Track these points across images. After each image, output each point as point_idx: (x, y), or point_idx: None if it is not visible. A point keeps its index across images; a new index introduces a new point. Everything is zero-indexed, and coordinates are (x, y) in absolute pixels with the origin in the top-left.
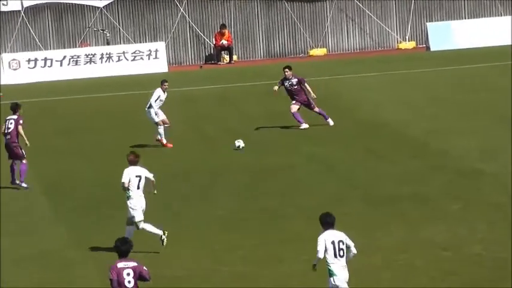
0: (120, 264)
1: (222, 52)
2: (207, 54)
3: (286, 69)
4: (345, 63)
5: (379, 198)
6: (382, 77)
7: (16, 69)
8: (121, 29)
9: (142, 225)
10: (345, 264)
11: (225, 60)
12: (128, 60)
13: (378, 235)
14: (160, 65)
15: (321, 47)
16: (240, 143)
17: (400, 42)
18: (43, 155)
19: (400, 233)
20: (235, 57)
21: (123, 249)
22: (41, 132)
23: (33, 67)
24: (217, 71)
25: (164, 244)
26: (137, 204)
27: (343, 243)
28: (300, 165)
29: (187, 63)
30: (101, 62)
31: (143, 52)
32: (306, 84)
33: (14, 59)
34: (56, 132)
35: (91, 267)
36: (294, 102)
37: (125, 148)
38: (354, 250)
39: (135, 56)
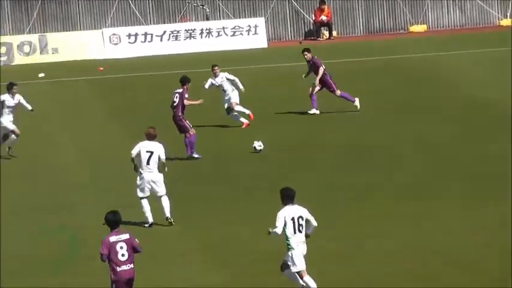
0: (112, 238)
1: (322, 28)
2: (306, 30)
3: (306, 52)
4: (445, 39)
5: (480, 175)
6: (483, 54)
7: (117, 43)
8: (220, 4)
9: (143, 202)
10: (304, 239)
11: (324, 36)
12: (227, 35)
13: (480, 213)
14: (259, 41)
15: (421, 24)
16: (258, 145)
17: (501, 19)
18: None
19: (502, 210)
20: (334, 33)
21: (113, 220)
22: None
23: (134, 42)
24: (316, 47)
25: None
26: (143, 179)
27: (302, 219)
28: (399, 143)
29: (287, 38)
30: (201, 37)
31: (243, 28)
32: (321, 68)
33: (114, 34)
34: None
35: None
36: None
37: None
38: (314, 223)
39: (234, 32)
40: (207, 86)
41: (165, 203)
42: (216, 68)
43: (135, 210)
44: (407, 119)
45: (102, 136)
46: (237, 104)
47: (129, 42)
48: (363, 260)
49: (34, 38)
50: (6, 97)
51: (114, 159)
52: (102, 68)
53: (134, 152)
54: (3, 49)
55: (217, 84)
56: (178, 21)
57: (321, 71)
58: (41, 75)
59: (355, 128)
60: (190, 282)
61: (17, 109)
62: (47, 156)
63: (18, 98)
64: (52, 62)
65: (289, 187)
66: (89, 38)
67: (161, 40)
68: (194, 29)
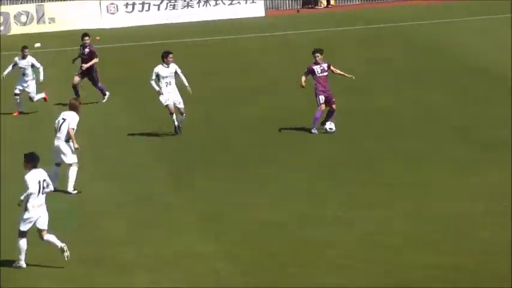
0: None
1: None
2: None
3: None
4: (445, 7)
5: (480, 142)
6: (484, 21)
7: (114, 13)
8: None
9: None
10: (43, 202)
11: (322, 5)
12: (225, 4)
13: (477, 179)
14: (257, 9)
15: None
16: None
17: None
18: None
19: (500, 178)
20: (332, 1)
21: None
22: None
23: (131, 11)
24: (314, 15)
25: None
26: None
27: (46, 182)
28: (399, 109)
29: (284, 7)
30: (198, 6)
31: None
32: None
33: (112, 3)
34: None
35: (188, 211)
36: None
37: (224, 91)
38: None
39: (232, 1)
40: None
41: (71, 172)
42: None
43: (126, 182)
44: (407, 86)
45: (100, 106)
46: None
47: (126, 12)
48: (360, 228)
49: (31, 7)
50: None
51: (111, 129)
52: (99, 38)
53: (56, 120)
54: (1, 19)
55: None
56: None
57: (94, 61)
58: (37, 45)
59: (354, 94)
60: (190, 250)
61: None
62: (42, 127)
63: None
64: (49, 32)
65: (33, 152)
66: (86, 8)
67: (158, 9)
68: None
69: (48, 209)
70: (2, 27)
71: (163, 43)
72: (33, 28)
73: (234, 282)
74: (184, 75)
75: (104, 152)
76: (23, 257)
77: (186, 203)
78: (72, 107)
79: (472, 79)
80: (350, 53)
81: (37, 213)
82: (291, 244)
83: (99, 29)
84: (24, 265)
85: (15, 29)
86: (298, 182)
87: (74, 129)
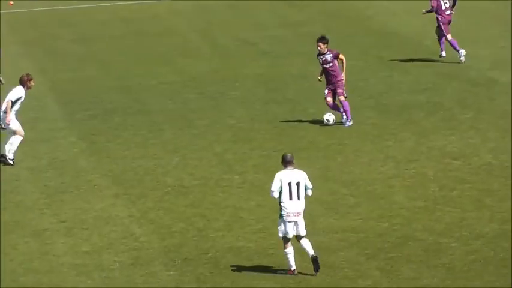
0: None
1: None
2: None
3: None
4: None
5: (391, 107)
6: None
7: None
8: None
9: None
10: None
11: None
12: None
13: (389, 144)
14: None
15: None
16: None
17: None
18: (59, 62)
19: (411, 142)
20: None
21: None
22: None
23: None
24: None
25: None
26: None
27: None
28: (313, 75)
29: None
30: None
31: None
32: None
33: None
34: (72, 40)
35: (103, 175)
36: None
37: (143, 55)
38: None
39: None
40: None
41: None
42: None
43: (49, 142)
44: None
45: (14, 71)
46: None
47: None
48: None
49: None
50: None
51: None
52: (12, 3)
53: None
54: None
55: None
56: None
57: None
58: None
59: (267, 59)
60: (107, 214)
61: None
62: None
63: None
64: None
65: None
66: None
67: None
68: None
69: None
70: None
71: (76, 8)
72: None
73: (152, 245)
74: None
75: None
76: None
77: (99, 168)
78: (20, 81)
79: (383, 44)
80: (263, 15)
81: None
82: (205, 209)
83: None
84: None
85: None
86: (214, 147)
87: (11, 101)
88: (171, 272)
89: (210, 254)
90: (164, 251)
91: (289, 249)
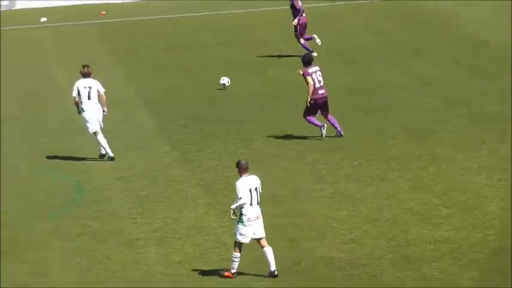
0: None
1: None
2: None
3: None
4: None
5: (483, 116)
6: None
7: None
8: None
9: (99, 136)
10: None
11: None
12: None
13: (482, 153)
14: None
15: None
16: (224, 80)
17: None
18: (151, 71)
19: (504, 152)
20: None
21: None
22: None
23: None
24: None
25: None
26: (92, 115)
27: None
28: (400, 83)
29: None
30: None
31: None
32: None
33: None
34: (164, 49)
35: (195, 185)
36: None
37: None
38: None
39: None
40: None
41: (103, 139)
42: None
43: (141, 151)
44: (407, 57)
45: (106, 80)
46: None
47: None
48: (366, 202)
49: None
50: None
51: (119, 103)
52: (104, 12)
53: (74, 92)
54: None
55: None
56: None
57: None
58: (43, 19)
59: (356, 68)
60: (199, 224)
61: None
62: (51, 101)
63: None
64: (54, 7)
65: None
66: None
67: None
68: None
69: (52, 183)
70: (6, 2)
71: (165, 18)
72: (38, 3)
73: (243, 255)
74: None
75: (108, 126)
76: None
77: (191, 177)
78: (87, 74)
79: (474, 53)
80: (350, 26)
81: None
82: (297, 218)
83: (104, 3)
84: None
85: (20, 4)
86: (305, 157)
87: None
88: (263, 283)
89: (302, 264)
90: (256, 261)
91: (239, 255)
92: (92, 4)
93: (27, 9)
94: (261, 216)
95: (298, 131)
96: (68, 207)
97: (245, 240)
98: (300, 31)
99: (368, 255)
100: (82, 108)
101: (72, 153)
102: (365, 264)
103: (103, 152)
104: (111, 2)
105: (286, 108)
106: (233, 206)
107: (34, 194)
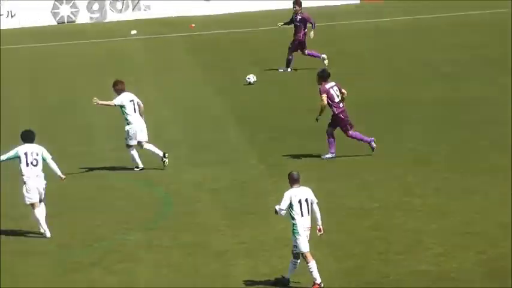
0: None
1: None
2: None
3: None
4: None
5: None
6: None
7: (209, 0)
8: None
9: (145, 145)
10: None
11: None
12: None
13: None
14: None
15: None
16: (250, 78)
17: None
18: (238, 84)
19: None
20: None
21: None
22: (236, 62)
23: None
24: (403, 3)
25: (165, 165)
26: (141, 126)
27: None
28: (491, 96)
29: None
30: None
31: None
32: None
33: None
34: (250, 62)
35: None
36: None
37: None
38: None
39: None
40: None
41: (150, 146)
42: None
43: (230, 164)
44: (496, 73)
45: (195, 92)
46: None
47: None
48: (456, 216)
49: None
50: None
51: (207, 115)
52: (193, 25)
53: (117, 102)
54: (96, 6)
55: None
56: None
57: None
58: (133, 32)
59: (447, 82)
60: (286, 236)
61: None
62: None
63: None
64: (144, 19)
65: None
66: None
67: None
68: None
69: (145, 195)
70: (97, 14)
71: (253, 30)
72: (129, 15)
73: (330, 268)
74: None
75: (196, 139)
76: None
77: (279, 190)
78: (124, 89)
79: None
80: (443, 38)
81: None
82: (385, 231)
83: (193, 16)
84: None
85: (111, 16)
86: (393, 169)
87: None
88: None
89: (391, 277)
90: (343, 274)
91: (298, 261)
92: (182, 16)
93: (117, 21)
94: (310, 228)
95: (386, 143)
96: (157, 219)
97: (300, 250)
98: (295, 47)
99: (457, 269)
100: (129, 122)
101: (161, 165)
102: (454, 278)
103: (161, 154)
104: (201, 14)
105: (374, 122)
106: (277, 207)
107: (125, 206)
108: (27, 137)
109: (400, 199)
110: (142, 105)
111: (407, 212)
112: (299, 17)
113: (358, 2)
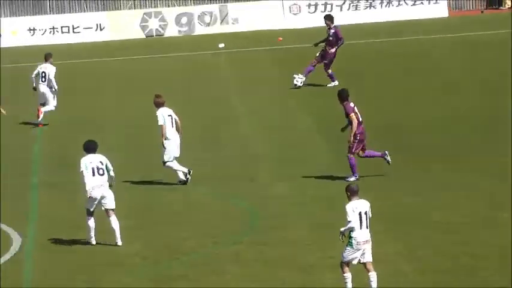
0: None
1: None
2: None
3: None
4: None
5: None
6: None
7: (296, 13)
8: None
9: (169, 163)
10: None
11: (506, 5)
12: (407, 4)
13: None
14: (440, 10)
15: None
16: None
17: None
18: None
19: None
20: None
21: (91, 146)
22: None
23: (314, 11)
24: (499, 16)
25: (188, 182)
26: (177, 142)
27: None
28: None
29: (468, 7)
30: (381, 7)
31: None
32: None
33: (294, 4)
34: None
35: None
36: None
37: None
38: None
39: (415, 1)
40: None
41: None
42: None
43: (316, 178)
44: None
45: (282, 106)
46: None
47: (309, 12)
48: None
49: (215, 8)
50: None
51: (293, 129)
52: (281, 38)
53: (161, 120)
54: (184, 19)
55: None
56: None
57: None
58: (221, 45)
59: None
60: (373, 251)
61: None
62: (227, 127)
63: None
64: (232, 33)
65: None
66: (269, 8)
67: (341, 10)
68: None
69: (232, 209)
70: (186, 28)
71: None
72: (217, 28)
73: (421, 284)
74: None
75: (283, 154)
76: None
77: None
78: (162, 104)
79: None
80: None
81: None
82: (471, 247)
83: (281, 29)
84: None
85: (199, 29)
86: (481, 183)
87: None
88: None
89: None
90: None
91: (349, 274)
92: (270, 30)
93: (205, 34)
94: (370, 240)
95: (475, 158)
96: (244, 233)
97: (352, 261)
98: (330, 61)
99: None
100: (167, 137)
101: (246, 179)
102: None
103: (183, 177)
104: (288, 27)
105: (464, 136)
106: (342, 229)
107: (211, 219)
108: (91, 147)
109: (488, 214)
110: (179, 121)
111: (495, 227)
112: (332, 31)
113: (447, 15)
